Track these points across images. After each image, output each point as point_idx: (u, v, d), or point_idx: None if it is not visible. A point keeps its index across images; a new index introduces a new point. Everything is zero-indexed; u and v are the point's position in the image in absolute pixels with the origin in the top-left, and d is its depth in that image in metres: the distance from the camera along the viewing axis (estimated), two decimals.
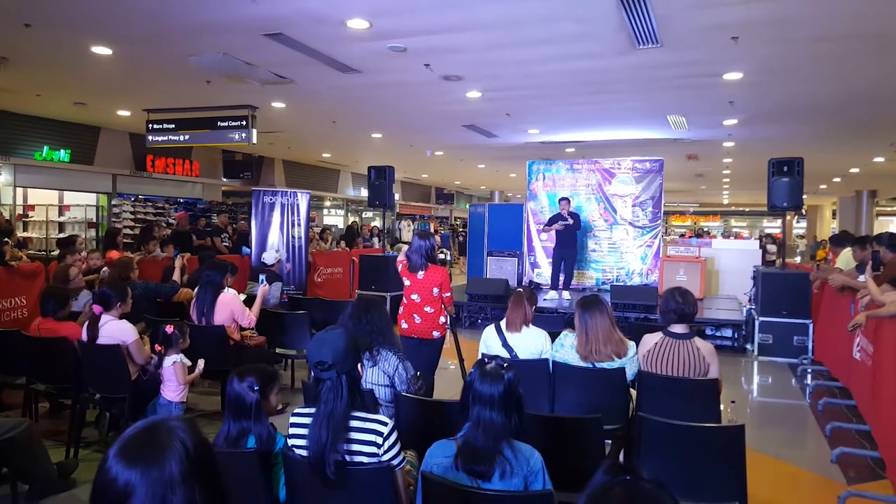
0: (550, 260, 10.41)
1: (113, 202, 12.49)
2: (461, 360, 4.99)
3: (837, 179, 18.13)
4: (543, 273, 10.81)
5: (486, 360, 2.21)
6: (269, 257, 7.44)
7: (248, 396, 2.34)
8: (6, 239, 6.86)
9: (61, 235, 11.78)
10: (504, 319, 3.93)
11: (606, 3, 5.15)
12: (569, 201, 9.62)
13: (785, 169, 7.64)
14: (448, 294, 4.65)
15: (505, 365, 2.18)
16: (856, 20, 5.44)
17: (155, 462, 1.07)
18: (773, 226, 30.77)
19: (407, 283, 4.64)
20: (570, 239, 9.47)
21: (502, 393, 2.08)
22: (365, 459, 2.11)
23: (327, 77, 7.58)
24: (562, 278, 9.45)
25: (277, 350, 5.67)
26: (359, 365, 2.28)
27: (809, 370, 6.69)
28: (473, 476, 2.03)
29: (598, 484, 1.06)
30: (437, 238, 6.93)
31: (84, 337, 4.02)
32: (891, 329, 4.11)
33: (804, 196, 8.04)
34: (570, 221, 9.32)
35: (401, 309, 4.70)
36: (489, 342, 3.92)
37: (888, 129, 10.42)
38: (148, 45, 6.51)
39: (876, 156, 13.46)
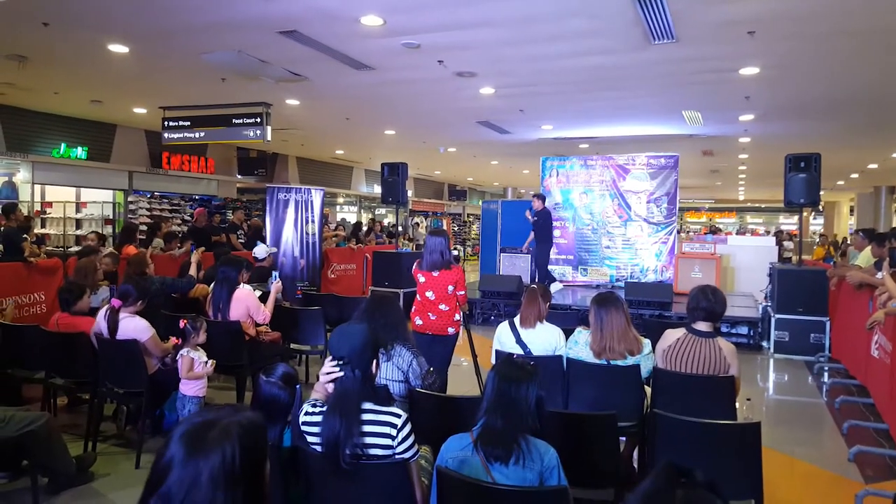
0: (564, 256, 10.44)
1: (129, 199, 12.61)
2: (474, 357, 5.00)
3: (855, 175, 17.89)
4: (557, 269, 10.78)
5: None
6: (259, 252, 7.15)
7: (282, 396, 2.40)
8: (25, 235, 6.97)
9: (79, 232, 11.95)
10: (518, 316, 3.94)
11: None
12: (540, 199, 9.55)
13: (802, 165, 7.56)
14: (462, 292, 4.65)
15: (531, 363, 2.25)
16: (873, 14, 5.36)
17: (198, 453, 1.13)
18: (789, 222, 30.40)
19: (422, 279, 4.64)
20: (540, 236, 9.49)
21: (526, 384, 2.14)
22: (380, 452, 2.12)
23: (341, 74, 7.60)
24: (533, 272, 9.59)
25: (292, 345, 5.71)
26: (374, 363, 2.29)
27: (826, 368, 6.63)
28: (491, 459, 2.05)
29: (653, 488, 1.04)
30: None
31: (101, 328, 4.06)
32: None
33: (821, 192, 7.95)
34: (533, 220, 9.30)
35: (414, 306, 4.71)
36: (503, 338, 3.92)
37: None
38: (163, 43, 6.56)
39: (895, 151, 13.26)
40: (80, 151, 11.40)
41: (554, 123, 11.15)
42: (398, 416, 2.16)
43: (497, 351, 3.92)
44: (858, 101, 8.67)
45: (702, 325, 3.35)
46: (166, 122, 9.40)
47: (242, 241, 10.09)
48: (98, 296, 5.13)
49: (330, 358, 2.26)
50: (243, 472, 1.14)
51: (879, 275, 5.39)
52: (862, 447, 4.27)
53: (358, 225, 15.58)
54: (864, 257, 7.11)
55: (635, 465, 3.46)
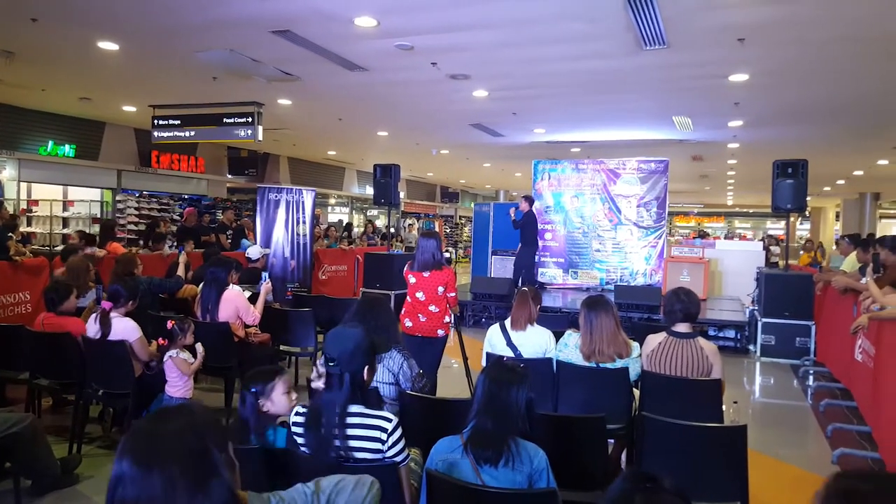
0: (554, 259, 10.50)
1: (117, 198, 12.53)
2: (465, 359, 5.01)
3: (841, 182, 18.09)
4: (548, 272, 10.82)
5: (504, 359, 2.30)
6: (253, 253, 7.18)
7: (245, 413, 2.44)
8: (10, 234, 6.89)
9: (66, 231, 11.83)
10: (509, 318, 3.95)
11: (614, 4, 5.15)
12: (528, 201, 9.53)
13: (789, 171, 7.64)
14: (453, 294, 4.67)
15: (521, 366, 2.28)
16: (861, 23, 5.43)
17: (146, 469, 1.13)
18: (776, 227, 30.68)
19: (412, 280, 4.65)
20: (524, 238, 9.49)
21: (516, 387, 2.15)
22: (369, 456, 2.12)
23: (334, 75, 7.59)
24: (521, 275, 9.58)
25: (281, 347, 5.69)
26: (366, 368, 2.27)
27: (811, 371, 6.69)
28: (481, 462, 2.06)
29: (618, 491, 1.06)
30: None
31: (94, 333, 4.04)
32: (892, 331, 4.11)
33: (808, 198, 8.04)
34: (515, 220, 9.34)
35: (404, 308, 4.71)
36: (494, 341, 3.94)
37: (892, 132, 10.39)
38: (155, 40, 6.52)
39: (880, 158, 13.43)
40: (67, 149, 11.31)
41: (546, 127, 11.19)
42: (388, 419, 2.16)
43: (488, 353, 3.93)
44: (845, 108, 8.78)
45: (681, 327, 3.40)
46: (156, 121, 9.34)
47: (231, 241, 10.05)
48: (87, 297, 5.09)
49: (321, 360, 2.26)
50: (196, 474, 1.14)
51: (864, 280, 5.46)
52: (845, 450, 4.32)
53: (349, 226, 15.58)
54: (850, 262, 7.20)
55: (623, 468, 3.48)
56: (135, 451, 1.13)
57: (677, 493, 1.04)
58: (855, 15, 5.26)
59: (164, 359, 3.88)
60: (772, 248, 16.13)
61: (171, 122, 9.30)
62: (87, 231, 9.71)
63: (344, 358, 2.18)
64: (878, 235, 11.57)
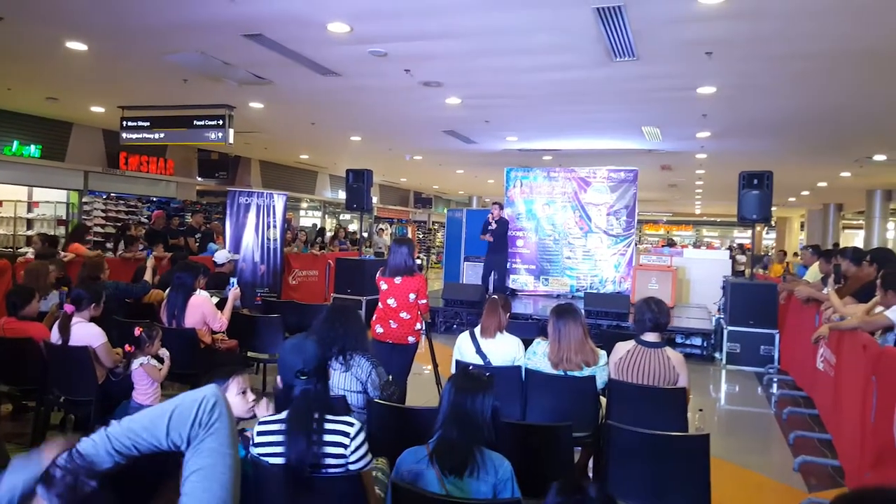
0: (526, 266, 10.59)
1: (84, 199, 12.24)
2: (435, 366, 5.01)
3: (806, 193, 18.57)
4: (519, 279, 10.89)
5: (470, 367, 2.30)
6: (220, 257, 7.00)
7: None
8: None
9: (30, 233, 11.54)
10: (479, 326, 3.97)
11: (585, 16, 5.23)
12: (500, 207, 9.77)
13: (755, 182, 7.83)
14: (424, 301, 4.67)
15: (487, 375, 2.28)
16: (825, 40, 5.61)
17: None
18: (743, 236, 31.34)
19: (384, 286, 4.65)
20: (499, 245, 9.64)
21: (482, 395, 2.16)
22: (333, 461, 2.11)
23: (307, 79, 7.55)
24: (492, 282, 9.67)
25: (249, 354, 5.62)
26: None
27: (775, 379, 6.85)
28: (446, 472, 2.06)
29: None
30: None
31: (55, 338, 3.94)
32: (852, 341, 4.23)
33: (774, 208, 8.25)
34: (494, 227, 9.48)
35: (375, 314, 4.70)
36: (463, 348, 3.95)
37: (854, 145, 10.72)
38: (124, 41, 6.42)
39: (842, 171, 13.83)
40: (33, 149, 11.03)
41: (519, 135, 11.28)
42: (351, 424, 2.16)
43: (457, 361, 3.94)
44: (809, 122, 9.03)
45: (650, 336, 3.46)
46: (125, 122, 9.18)
47: (200, 245, 9.91)
48: (48, 300, 4.97)
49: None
50: None
51: (825, 290, 5.61)
52: (806, 457, 4.43)
53: (322, 230, 15.46)
54: (812, 272, 7.39)
55: (591, 476, 3.52)
56: None
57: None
58: (818, 32, 5.43)
59: (135, 366, 3.80)
60: (738, 256, 16.50)
61: (140, 123, 9.15)
62: (53, 234, 9.49)
63: (314, 367, 2.20)
64: (841, 245, 11.92)
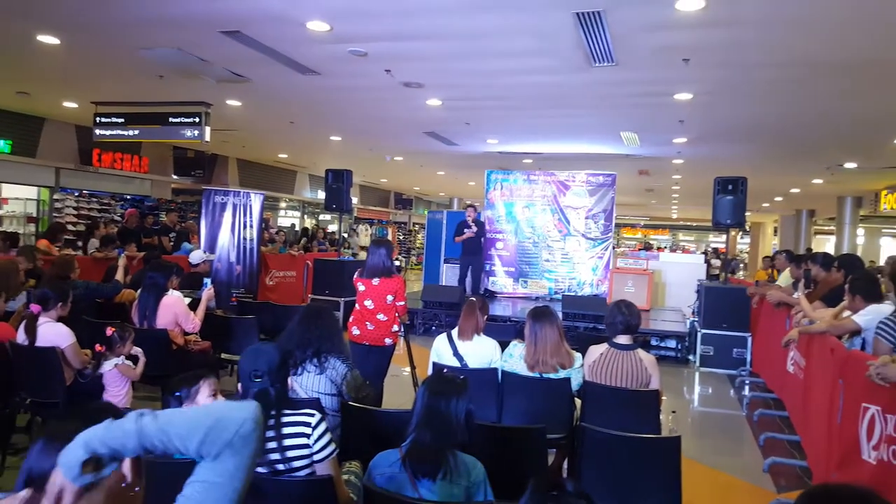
0: (505, 268, 10.62)
1: (55, 196, 12.00)
2: (413, 368, 5.00)
3: (779, 198, 18.92)
4: (498, 281, 10.92)
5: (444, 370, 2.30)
6: (194, 257, 6.99)
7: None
8: None
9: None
10: (456, 328, 3.97)
11: (565, 21, 5.26)
12: (474, 209, 9.83)
13: (729, 188, 7.95)
14: (402, 303, 4.65)
15: (461, 378, 2.28)
16: (799, 49, 5.71)
17: None
18: (718, 241, 31.84)
19: (361, 288, 4.62)
20: (475, 247, 9.71)
21: (455, 398, 2.16)
22: (298, 453, 2.12)
23: (285, 77, 7.49)
24: (469, 284, 9.73)
25: (223, 356, 5.55)
26: (289, 380, 2.33)
27: (747, 381, 6.95)
28: (419, 475, 2.06)
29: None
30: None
31: (21, 339, 3.85)
32: (821, 345, 4.31)
33: (748, 213, 8.38)
34: (474, 229, 9.54)
35: (352, 315, 4.67)
36: (440, 350, 3.94)
37: (826, 153, 10.94)
38: (98, 36, 6.30)
39: (815, 178, 14.10)
40: (2, 145, 10.77)
41: (499, 138, 11.32)
42: (312, 415, 2.19)
43: (434, 363, 3.93)
44: (783, 129, 9.19)
45: (622, 339, 3.50)
46: (98, 118, 9.01)
47: (174, 244, 9.77)
48: (17, 301, 4.85)
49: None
50: None
51: (796, 295, 5.71)
52: (776, 458, 4.51)
53: (305, 230, 15.33)
54: (785, 277, 7.52)
55: (565, 477, 3.53)
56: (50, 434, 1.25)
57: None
58: (792, 42, 5.53)
59: (108, 368, 3.72)
60: (712, 261, 16.75)
61: (114, 119, 8.99)
62: (13, 231, 9.25)
63: (272, 370, 2.22)
64: (813, 250, 12.15)
